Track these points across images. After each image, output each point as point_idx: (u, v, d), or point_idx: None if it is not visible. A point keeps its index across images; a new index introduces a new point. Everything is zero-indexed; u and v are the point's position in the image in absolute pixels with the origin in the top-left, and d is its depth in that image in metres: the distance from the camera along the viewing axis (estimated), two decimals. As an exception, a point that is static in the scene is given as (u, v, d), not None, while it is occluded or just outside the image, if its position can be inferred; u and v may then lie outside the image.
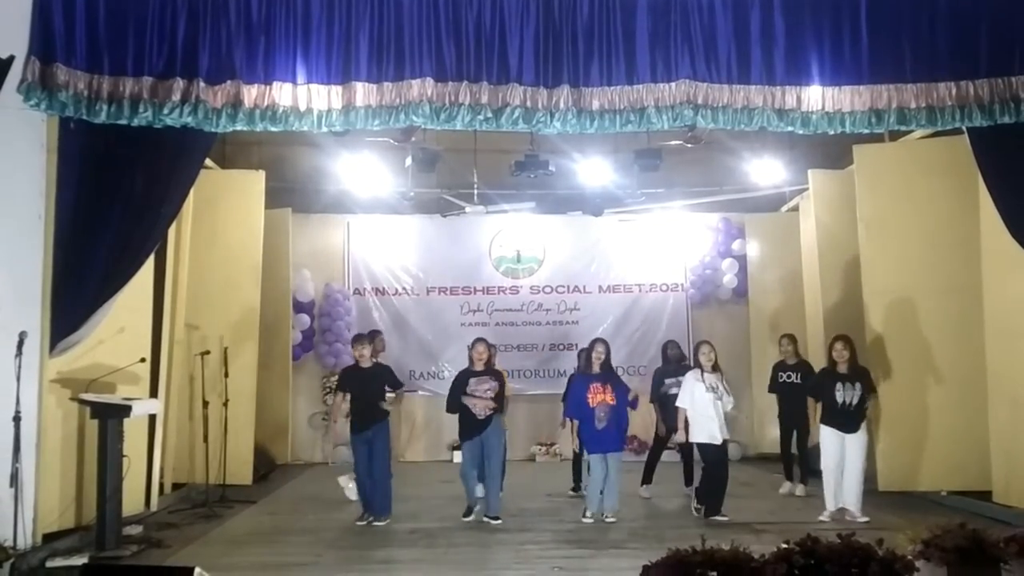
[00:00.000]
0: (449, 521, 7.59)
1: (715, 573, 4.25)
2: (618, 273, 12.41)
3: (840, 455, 7.41)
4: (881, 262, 8.71)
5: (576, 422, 7.68)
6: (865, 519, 7.26)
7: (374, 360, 7.93)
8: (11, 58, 6.01)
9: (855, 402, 7.42)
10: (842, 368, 7.54)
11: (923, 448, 8.42)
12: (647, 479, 8.86)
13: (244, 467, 9.44)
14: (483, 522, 7.49)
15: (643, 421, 9.74)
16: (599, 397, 7.47)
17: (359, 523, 7.46)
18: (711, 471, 7.65)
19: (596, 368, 7.68)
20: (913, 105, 6.62)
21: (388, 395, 7.81)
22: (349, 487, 8.32)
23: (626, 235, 12.39)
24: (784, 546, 4.49)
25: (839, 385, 7.45)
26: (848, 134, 6.90)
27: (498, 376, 7.76)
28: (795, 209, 11.53)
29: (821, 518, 7.34)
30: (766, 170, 11.04)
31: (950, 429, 8.28)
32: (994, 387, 7.71)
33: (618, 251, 12.43)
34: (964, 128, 6.94)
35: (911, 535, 4.79)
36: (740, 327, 12.16)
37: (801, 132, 6.82)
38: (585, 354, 8.19)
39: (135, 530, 7.06)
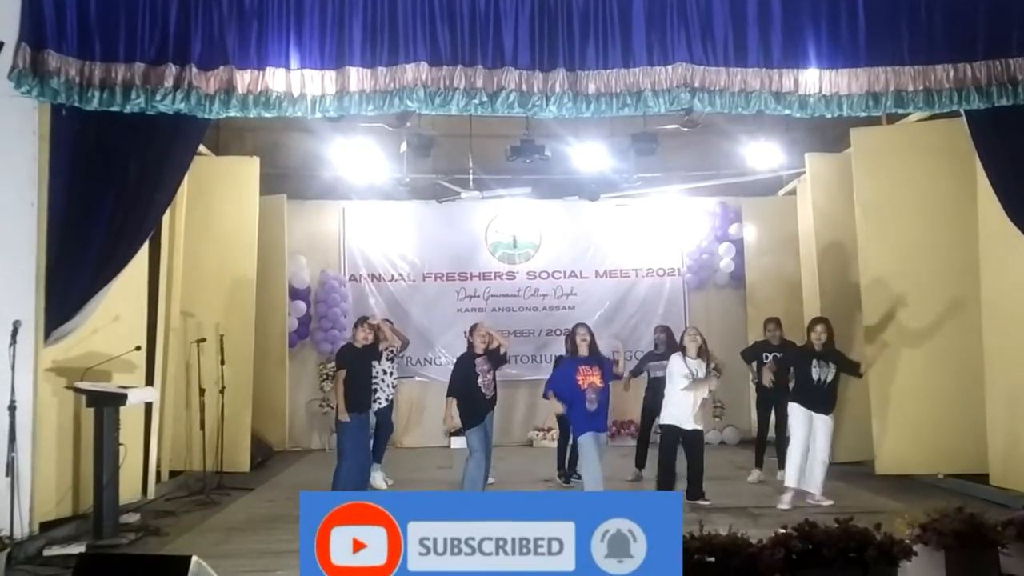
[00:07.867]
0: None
1: (713, 558, 4.25)
2: (614, 258, 12.36)
3: (808, 435, 7.35)
4: (878, 245, 8.69)
5: (562, 402, 7.63)
6: (830, 502, 7.21)
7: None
8: (0, 44, 5.95)
9: (829, 379, 7.43)
10: (819, 348, 7.52)
11: (920, 431, 8.40)
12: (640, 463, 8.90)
13: (241, 454, 9.45)
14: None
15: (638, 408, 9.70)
16: (589, 379, 7.40)
17: None
18: (661, 457, 7.65)
19: (584, 351, 7.61)
20: (911, 88, 6.60)
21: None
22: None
23: (622, 220, 12.34)
24: (782, 531, 4.49)
25: (815, 362, 7.44)
26: (845, 117, 6.89)
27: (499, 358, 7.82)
28: (792, 193, 11.48)
29: (782, 506, 7.18)
30: (763, 154, 10.97)
31: (947, 412, 8.27)
32: (991, 370, 7.71)
33: (614, 236, 12.37)
34: (962, 111, 6.92)
35: (909, 519, 4.78)
36: (737, 311, 12.13)
37: (798, 115, 6.81)
38: (570, 338, 8.10)
39: (132, 518, 7.06)
